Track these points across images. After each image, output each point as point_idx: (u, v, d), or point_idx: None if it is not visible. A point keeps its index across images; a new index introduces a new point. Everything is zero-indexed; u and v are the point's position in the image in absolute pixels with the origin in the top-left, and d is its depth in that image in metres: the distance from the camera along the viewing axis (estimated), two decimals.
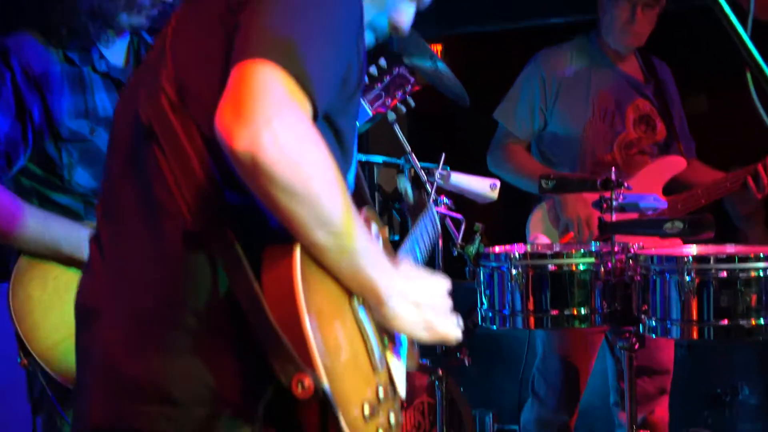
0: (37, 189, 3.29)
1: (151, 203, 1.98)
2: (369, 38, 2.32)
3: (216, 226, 1.89)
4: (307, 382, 1.74)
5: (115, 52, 3.41)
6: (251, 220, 1.91)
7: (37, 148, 3.24)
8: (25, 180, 3.29)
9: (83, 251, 3.14)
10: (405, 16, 2.36)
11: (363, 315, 2.01)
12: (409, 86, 3.64)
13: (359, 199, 1.97)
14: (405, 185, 3.25)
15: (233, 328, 1.87)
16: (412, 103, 3.79)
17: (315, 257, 1.88)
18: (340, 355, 1.89)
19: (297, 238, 1.84)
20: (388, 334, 2.14)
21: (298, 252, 1.85)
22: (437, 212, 3.78)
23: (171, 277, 1.93)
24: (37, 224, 3.17)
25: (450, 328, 2.14)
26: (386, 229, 2.44)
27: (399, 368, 2.18)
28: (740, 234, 6.01)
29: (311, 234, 1.82)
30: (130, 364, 1.93)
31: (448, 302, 2.17)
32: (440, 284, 2.16)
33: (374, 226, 2.30)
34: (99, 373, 2.00)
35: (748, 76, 1.82)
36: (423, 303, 2.08)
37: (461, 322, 2.20)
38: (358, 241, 1.89)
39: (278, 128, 1.72)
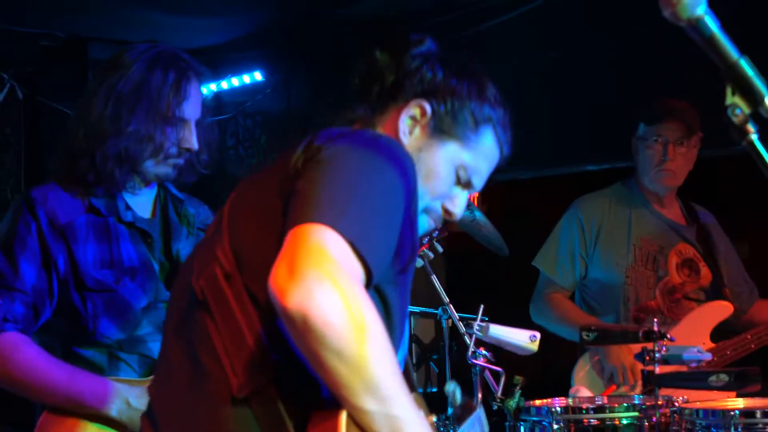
0: (61, 341, 3.29)
1: (198, 368, 2.01)
2: (424, 222, 2.37)
3: (260, 384, 1.91)
4: None
5: (142, 204, 3.44)
6: (298, 385, 1.93)
7: (62, 299, 3.26)
8: (49, 333, 3.31)
9: (107, 406, 3.14)
10: (458, 202, 2.41)
11: None
12: (436, 231, 3.64)
13: (407, 382, 1.98)
14: (453, 388, 3.26)
15: None
16: (440, 249, 3.80)
17: (360, 424, 1.88)
18: None
19: (342, 402, 1.85)
20: None
21: (344, 418, 1.85)
22: (476, 364, 3.77)
23: None
24: (63, 377, 3.17)
25: None
26: (432, 417, 2.44)
27: None
28: None
29: (357, 398, 1.83)
30: None
31: None
32: None
33: (421, 412, 2.30)
34: None
35: None
36: None
37: None
38: (404, 410, 1.89)
39: (331, 289, 1.75)
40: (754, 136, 1.76)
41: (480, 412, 3.33)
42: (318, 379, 1.88)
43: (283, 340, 1.89)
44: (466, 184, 2.40)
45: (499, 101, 2.42)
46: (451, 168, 2.35)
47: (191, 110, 3.37)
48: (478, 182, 2.42)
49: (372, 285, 1.92)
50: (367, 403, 1.84)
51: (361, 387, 1.82)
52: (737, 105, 1.74)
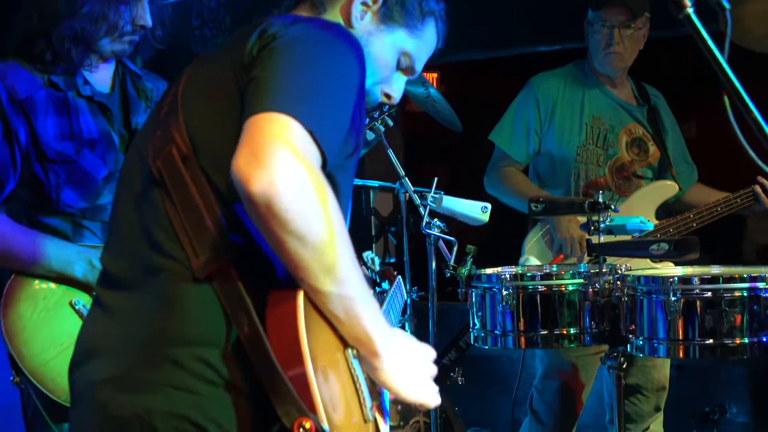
0: (26, 211, 3.31)
1: (154, 246, 2.01)
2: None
3: (220, 266, 1.93)
4: (309, 425, 1.78)
5: (100, 79, 3.44)
6: (255, 266, 1.95)
7: (25, 171, 3.27)
8: (14, 203, 3.32)
9: (73, 268, 3.17)
10: (397, 87, 2.46)
11: (356, 365, 2.04)
12: (386, 106, 3.65)
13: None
14: (371, 255, 3.29)
15: (233, 369, 1.89)
16: (390, 123, 3.81)
17: (316, 304, 1.92)
18: (338, 403, 1.92)
19: (301, 283, 1.88)
20: (375, 389, 2.16)
21: (301, 300, 1.88)
22: (430, 234, 3.80)
23: (172, 316, 1.95)
24: (28, 242, 3.20)
25: (431, 395, 2.17)
26: (384, 260, 2.47)
27: (383, 423, 2.20)
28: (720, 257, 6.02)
29: (316, 280, 1.87)
30: (119, 401, 1.94)
31: (434, 369, 2.20)
32: (428, 351, 2.20)
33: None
34: (89, 409, 2.01)
35: (726, 100, 1.81)
36: (412, 364, 2.11)
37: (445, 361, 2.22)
38: (359, 291, 1.94)
39: (293, 176, 1.78)
40: (690, 9, 1.77)
41: (399, 279, 3.38)
42: (274, 260, 1.93)
43: (241, 222, 1.93)
44: (407, 70, 2.45)
45: None
46: (395, 54, 2.40)
47: None
48: (418, 68, 2.47)
49: (327, 167, 1.93)
50: (325, 285, 1.88)
51: (320, 270, 1.86)
52: None
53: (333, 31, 2.11)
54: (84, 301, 3.20)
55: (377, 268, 3.33)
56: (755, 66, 3.83)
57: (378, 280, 3.25)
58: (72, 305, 3.20)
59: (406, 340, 2.14)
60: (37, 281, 3.22)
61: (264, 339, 1.85)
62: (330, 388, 1.89)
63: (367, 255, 3.32)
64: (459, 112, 4.29)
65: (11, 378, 3.21)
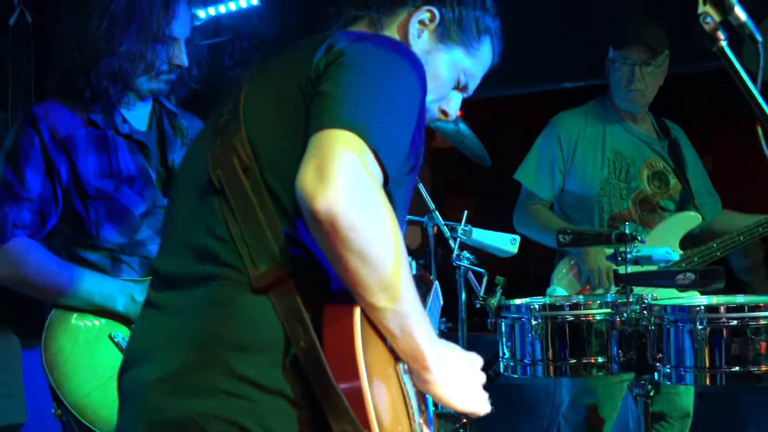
0: (67, 246, 3.32)
1: (210, 252, 2.00)
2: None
3: (279, 278, 1.92)
4: None
5: (138, 117, 3.46)
6: (312, 278, 1.94)
7: (66, 207, 3.29)
8: (55, 238, 3.34)
9: (114, 302, 3.19)
10: (453, 104, 2.46)
11: (407, 380, 2.03)
12: None
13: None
14: (408, 260, 3.30)
15: (289, 379, 1.88)
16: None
17: (372, 319, 1.91)
18: (390, 418, 1.90)
19: (358, 299, 1.88)
20: (424, 403, 2.15)
21: (358, 314, 1.88)
22: (460, 265, 3.79)
23: (228, 322, 1.94)
24: (72, 277, 3.21)
25: (481, 402, 2.16)
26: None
27: None
28: (746, 286, 5.99)
29: (374, 297, 1.86)
30: (173, 403, 1.93)
31: (483, 377, 2.19)
32: (476, 360, 2.19)
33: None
34: (140, 410, 2.00)
35: (759, 130, 1.80)
36: (461, 375, 2.10)
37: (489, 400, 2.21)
38: (415, 308, 1.93)
39: (358, 196, 1.78)
40: (723, 43, 1.77)
41: (437, 285, 3.37)
42: (330, 273, 1.92)
43: (301, 235, 1.93)
44: (463, 88, 2.44)
45: (497, 13, 2.44)
46: (454, 72, 2.39)
47: (180, 29, 3.39)
48: (473, 86, 2.46)
49: (388, 184, 1.93)
50: (381, 301, 1.86)
51: (378, 287, 1.84)
52: (708, 13, 1.76)
53: (398, 50, 2.10)
54: (123, 334, 3.20)
55: (414, 272, 3.31)
56: None
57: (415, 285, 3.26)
58: (111, 338, 3.21)
59: (454, 351, 2.12)
60: (76, 315, 3.23)
61: (320, 353, 1.84)
62: (382, 403, 1.88)
63: None
64: (487, 146, 4.29)
65: (53, 411, 3.21)
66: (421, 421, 2.07)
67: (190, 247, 2.06)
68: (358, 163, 1.82)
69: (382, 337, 1.95)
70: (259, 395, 1.87)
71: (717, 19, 1.75)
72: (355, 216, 1.77)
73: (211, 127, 2.20)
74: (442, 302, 3.39)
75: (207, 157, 2.11)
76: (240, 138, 2.05)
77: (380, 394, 1.87)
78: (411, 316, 1.92)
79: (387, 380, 1.94)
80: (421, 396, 2.10)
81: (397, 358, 2.00)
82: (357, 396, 1.80)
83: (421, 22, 2.34)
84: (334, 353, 1.84)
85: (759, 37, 1.76)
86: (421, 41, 2.35)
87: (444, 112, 2.45)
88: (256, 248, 1.95)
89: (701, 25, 1.74)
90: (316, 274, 1.95)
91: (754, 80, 1.77)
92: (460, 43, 2.37)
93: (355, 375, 1.81)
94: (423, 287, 3.19)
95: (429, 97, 2.30)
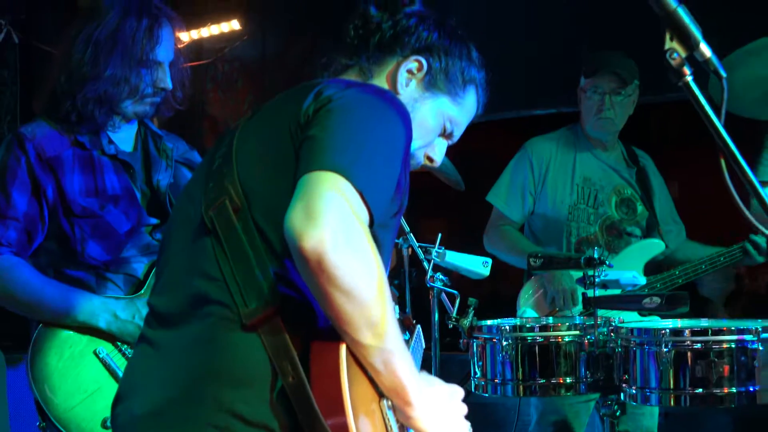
0: (53, 264, 3.31)
1: (203, 291, 2.02)
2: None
3: (267, 315, 1.93)
4: None
5: (124, 138, 3.46)
6: (300, 316, 1.96)
7: (53, 225, 3.28)
8: (42, 256, 3.33)
9: (97, 320, 3.19)
10: (439, 150, 2.47)
11: (390, 416, 2.04)
12: None
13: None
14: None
15: (275, 414, 1.89)
16: None
17: (357, 356, 1.93)
18: None
19: (344, 335, 1.89)
20: None
21: (344, 352, 1.89)
22: (434, 287, 3.80)
23: (218, 358, 1.95)
24: (56, 295, 3.20)
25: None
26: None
27: None
28: (710, 310, 6.04)
29: (359, 333, 1.88)
30: None
31: (464, 408, 2.20)
32: (457, 391, 2.20)
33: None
34: None
35: (722, 162, 1.81)
36: (443, 409, 2.11)
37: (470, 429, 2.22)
38: (398, 345, 1.94)
39: (344, 235, 1.79)
40: (689, 78, 1.79)
41: (419, 328, 3.39)
42: (317, 310, 1.93)
43: (290, 275, 1.94)
44: (449, 135, 2.46)
45: (482, 64, 2.47)
46: (440, 119, 2.40)
47: (164, 53, 3.40)
48: (458, 134, 2.48)
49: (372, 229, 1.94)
50: (366, 338, 1.88)
51: (363, 324, 1.86)
52: (675, 49, 1.77)
53: (385, 98, 2.11)
54: (108, 350, 3.19)
55: (397, 315, 3.32)
56: (743, 130, 3.86)
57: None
58: (96, 354, 3.20)
59: (435, 386, 2.15)
60: (62, 331, 3.22)
61: (308, 389, 1.85)
62: None
63: None
64: (460, 170, 4.31)
65: (38, 423, 3.20)
66: None
67: (183, 286, 2.08)
68: (344, 204, 1.84)
69: (367, 374, 1.96)
70: (245, 428, 1.89)
71: (683, 54, 1.76)
72: (342, 255, 1.79)
73: (205, 170, 2.22)
74: (423, 345, 3.41)
75: (200, 199, 2.13)
76: (232, 181, 2.07)
77: (365, 430, 1.88)
78: (394, 353, 1.93)
79: (371, 416, 1.96)
80: (405, 431, 2.10)
81: (380, 395, 2.01)
82: (343, 431, 1.81)
83: (410, 71, 2.36)
84: (321, 389, 1.85)
85: (723, 74, 1.78)
86: (409, 89, 2.37)
87: (430, 159, 2.46)
88: (246, 287, 1.96)
89: (668, 61, 1.76)
90: (304, 312, 1.96)
91: (718, 113, 1.79)
92: (447, 92, 2.39)
93: (341, 411, 1.82)
94: (406, 330, 3.21)
95: (416, 144, 2.35)
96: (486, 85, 2.49)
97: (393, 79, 2.36)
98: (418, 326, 3.23)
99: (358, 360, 1.93)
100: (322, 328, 1.94)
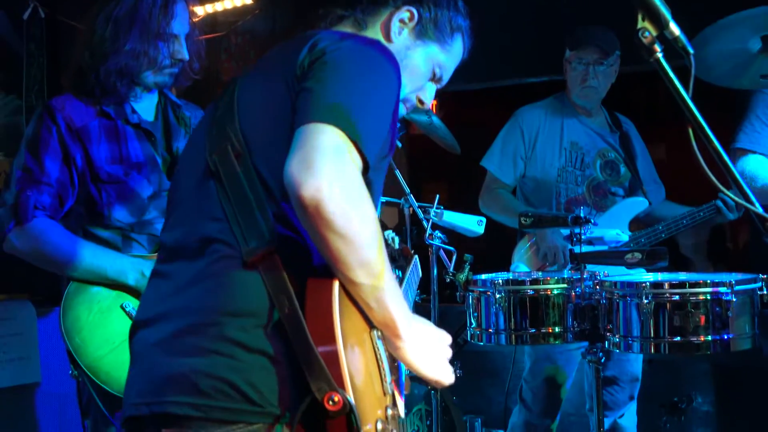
0: (83, 226, 3.36)
1: (208, 230, 2.05)
2: (401, 110, 2.43)
3: (266, 253, 1.97)
4: (337, 398, 1.82)
5: (145, 108, 3.49)
6: (297, 254, 1.99)
7: (81, 190, 3.33)
8: (73, 219, 3.37)
9: (127, 277, 3.20)
10: (429, 94, 2.51)
11: (380, 345, 2.07)
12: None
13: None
14: (392, 235, 3.34)
15: (273, 342, 1.92)
16: (399, 144, 3.86)
17: (350, 293, 1.96)
18: (363, 378, 1.95)
19: (338, 274, 1.93)
20: (395, 368, 2.20)
21: (336, 287, 1.93)
22: (432, 244, 3.85)
23: (222, 292, 1.98)
24: (87, 254, 3.25)
25: (446, 373, 2.20)
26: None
27: (399, 396, 2.23)
28: (690, 264, 6.07)
29: (352, 272, 1.92)
30: (169, 362, 1.98)
31: (449, 352, 2.23)
32: (445, 336, 2.24)
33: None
34: (143, 367, 2.06)
35: (690, 132, 1.85)
36: (430, 346, 2.15)
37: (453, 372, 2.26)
38: (388, 283, 1.98)
39: (340, 183, 1.83)
40: (659, 55, 1.83)
41: (416, 258, 3.43)
42: (312, 250, 1.97)
43: (287, 216, 1.98)
44: (438, 79, 2.49)
45: (467, 14, 2.50)
46: (430, 65, 2.44)
47: (180, 26, 3.43)
48: (446, 78, 2.51)
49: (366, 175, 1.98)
50: (360, 277, 1.92)
51: (357, 264, 1.90)
52: (646, 29, 1.81)
53: (376, 48, 2.14)
54: (134, 304, 3.23)
55: (396, 246, 3.36)
56: (716, 97, 3.90)
57: (396, 257, 3.30)
58: (123, 308, 3.25)
59: (426, 326, 2.18)
60: (91, 287, 3.26)
61: (302, 320, 1.88)
62: (356, 364, 1.93)
63: (388, 234, 3.35)
64: (456, 136, 4.34)
65: (70, 372, 3.24)
66: (392, 381, 2.12)
67: (189, 224, 2.12)
68: (339, 154, 1.87)
69: (358, 307, 2.00)
70: (244, 354, 1.92)
71: (654, 33, 1.79)
72: (338, 201, 1.82)
73: (209, 118, 2.25)
74: (420, 275, 3.45)
75: (205, 144, 2.16)
76: (233, 128, 2.10)
77: (354, 357, 1.92)
78: (386, 290, 1.97)
79: (362, 345, 1.99)
80: (393, 360, 2.14)
81: (371, 326, 2.05)
82: (333, 358, 1.84)
83: (402, 21, 2.40)
84: (314, 320, 1.88)
85: (691, 50, 1.82)
86: (401, 38, 2.40)
87: (420, 101, 2.49)
88: (246, 227, 2.00)
89: (640, 39, 1.80)
90: (301, 251, 2.00)
91: (686, 86, 1.84)
92: (436, 40, 2.43)
93: (332, 340, 1.86)
94: (404, 260, 3.25)
95: (408, 88, 2.39)
96: (471, 32, 2.52)
97: (386, 28, 2.40)
98: (416, 256, 3.28)
99: (350, 295, 1.97)
100: (318, 265, 1.97)
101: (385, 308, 2.00)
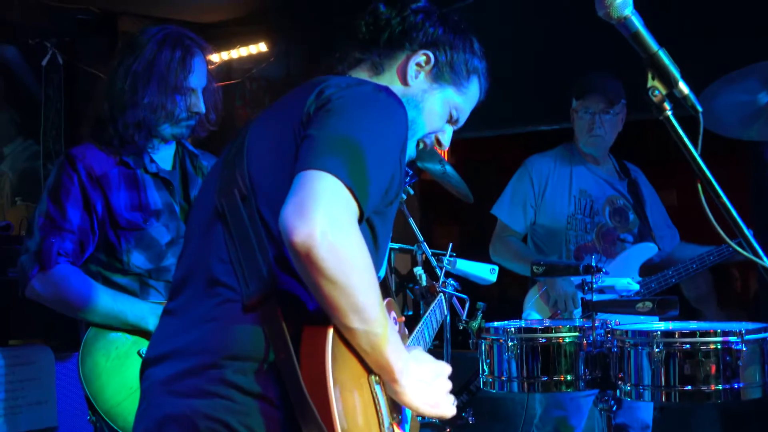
0: (101, 272, 3.39)
1: (213, 272, 2.08)
2: (412, 150, 2.45)
3: (268, 303, 1.99)
4: None
5: (164, 158, 3.54)
6: (294, 299, 2.01)
7: (101, 237, 3.36)
8: (92, 265, 3.40)
9: (146, 322, 3.22)
10: (447, 135, 2.52)
11: (378, 389, 2.09)
12: (408, 178, 3.74)
13: (384, 289, 2.09)
14: (420, 272, 3.35)
15: (268, 385, 1.95)
16: (411, 192, 3.88)
17: (345, 338, 1.98)
18: (358, 422, 1.96)
19: (333, 320, 1.94)
20: (396, 408, 2.21)
21: (331, 334, 1.94)
22: (445, 292, 3.87)
23: (222, 334, 2.01)
24: (108, 299, 3.28)
25: (448, 407, 2.21)
26: (402, 318, 2.56)
27: None
28: (699, 314, 6.07)
29: (346, 319, 1.93)
30: (171, 401, 2.02)
31: (449, 385, 2.25)
32: (444, 368, 2.25)
33: (393, 313, 2.41)
34: (149, 405, 2.09)
35: (699, 187, 1.87)
36: (428, 383, 2.16)
37: (456, 402, 2.28)
38: (383, 328, 1.99)
39: (331, 230, 1.84)
40: (669, 113, 1.86)
41: (441, 297, 3.42)
42: (310, 294, 1.97)
43: (287, 261, 1.98)
44: (455, 121, 2.50)
45: (484, 55, 2.52)
46: (447, 108, 2.45)
47: (197, 80, 3.47)
48: (463, 120, 2.53)
49: (364, 219, 2.00)
50: (353, 323, 1.94)
51: (349, 310, 1.91)
52: (656, 87, 1.84)
53: (382, 96, 2.15)
54: None
55: (424, 283, 3.37)
56: (724, 148, 3.94)
57: (424, 294, 3.30)
58: (140, 354, 3.27)
59: (424, 363, 2.19)
60: (110, 333, 3.29)
61: (296, 367, 1.90)
62: (351, 408, 1.94)
63: (417, 270, 3.36)
64: (467, 180, 4.37)
65: (87, 417, 3.27)
66: (392, 423, 2.14)
67: (198, 264, 2.15)
68: (333, 201, 1.89)
69: (355, 352, 2.01)
70: (241, 397, 1.94)
71: (664, 92, 1.83)
72: (329, 248, 1.83)
73: (221, 161, 2.29)
74: (445, 313, 3.44)
75: (216, 186, 2.20)
76: (242, 171, 2.13)
77: (348, 403, 1.94)
78: (379, 335, 1.98)
79: (359, 389, 2.01)
80: (394, 402, 2.16)
81: (369, 371, 2.06)
82: (325, 405, 1.87)
83: (418, 65, 2.41)
84: (308, 368, 1.90)
85: (699, 108, 1.85)
86: (418, 81, 2.41)
87: (439, 142, 2.50)
88: (248, 269, 2.02)
89: (650, 98, 1.83)
90: (298, 294, 2.01)
91: (695, 143, 1.87)
92: (452, 83, 2.44)
93: (324, 387, 1.88)
94: (430, 296, 3.26)
95: (425, 129, 2.42)
96: (487, 74, 2.54)
97: (403, 72, 2.41)
98: (440, 295, 3.28)
99: (346, 340, 1.99)
100: (315, 309, 1.99)
101: (380, 353, 2.02)
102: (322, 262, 1.84)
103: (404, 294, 4.32)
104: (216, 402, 1.96)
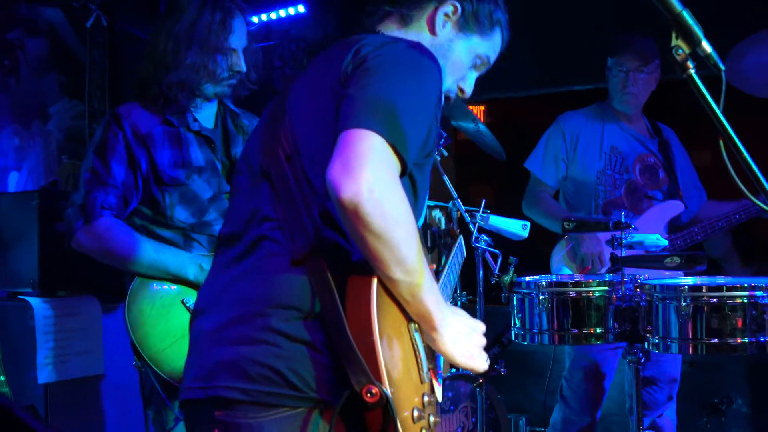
0: (146, 226, 3.46)
1: (260, 228, 2.15)
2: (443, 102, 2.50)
3: (313, 256, 2.05)
4: (375, 390, 1.90)
5: (206, 116, 3.61)
6: (339, 252, 2.08)
7: (145, 192, 3.44)
8: (137, 219, 3.48)
9: (185, 271, 3.29)
10: (470, 83, 2.59)
11: (417, 336, 2.16)
12: (442, 140, 3.78)
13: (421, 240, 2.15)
14: (439, 215, 3.38)
15: (315, 334, 2.01)
16: (445, 153, 3.92)
17: (388, 288, 2.04)
18: (399, 368, 2.03)
19: (377, 272, 2.01)
20: (432, 357, 2.28)
21: (375, 284, 2.01)
22: (478, 247, 3.92)
23: (270, 286, 2.08)
24: (150, 250, 3.36)
25: (480, 361, 2.29)
26: (433, 265, 2.61)
27: (436, 384, 2.32)
28: (723, 271, 6.06)
29: (390, 270, 1.99)
30: (220, 349, 2.08)
31: (483, 340, 2.31)
32: (479, 325, 2.32)
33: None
34: (198, 353, 2.16)
35: (721, 144, 1.91)
36: (464, 336, 2.23)
37: (488, 355, 2.34)
38: (424, 279, 2.05)
39: (377, 187, 1.90)
40: (692, 71, 1.90)
41: (461, 239, 3.46)
42: (354, 247, 2.05)
43: (331, 216, 2.06)
44: (478, 68, 2.57)
45: (506, 8, 2.57)
46: (471, 56, 2.52)
47: (237, 41, 3.53)
48: (485, 68, 2.60)
49: (406, 173, 2.06)
50: (396, 274, 2.00)
51: (393, 262, 1.97)
52: (680, 46, 1.86)
53: (416, 52, 2.20)
54: (194, 299, 3.27)
55: (443, 226, 3.41)
56: (755, 108, 3.94)
57: (443, 236, 3.33)
58: (183, 303, 3.35)
59: (460, 317, 2.25)
60: (154, 283, 3.36)
61: (342, 316, 1.96)
62: (394, 355, 2.00)
63: (435, 214, 3.40)
64: (502, 140, 4.40)
65: (133, 363, 3.35)
66: (429, 369, 2.21)
67: (244, 221, 2.21)
68: (378, 158, 1.94)
69: (397, 301, 2.08)
70: (287, 343, 2.02)
71: (687, 51, 1.85)
72: (375, 204, 1.89)
73: (265, 120, 2.34)
74: (465, 254, 3.47)
75: (260, 146, 2.26)
76: (285, 131, 2.19)
77: (392, 349, 2.00)
78: (421, 286, 2.05)
79: (400, 337, 2.07)
80: (431, 349, 2.22)
81: (409, 319, 2.13)
82: (371, 352, 1.93)
83: (446, 15, 2.46)
84: (354, 316, 1.97)
85: (722, 66, 1.88)
86: (445, 30, 2.47)
87: (462, 89, 2.56)
88: (294, 226, 2.09)
89: (674, 56, 1.87)
90: (343, 248, 2.08)
91: (717, 101, 1.90)
92: (477, 32, 2.50)
93: (370, 335, 1.94)
94: (450, 240, 3.30)
95: (450, 79, 2.48)
96: (508, 25, 2.58)
97: (431, 22, 2.46)
98: (461, 237, 3.33)
99: (388, 290, 2.05)
100: (359, 261, 2.05)
101: (420, 303, 2.08)
102: (369, 218, 1.90)
103: (439, 249, 4.36)
104: (264, 348, 2.02)
